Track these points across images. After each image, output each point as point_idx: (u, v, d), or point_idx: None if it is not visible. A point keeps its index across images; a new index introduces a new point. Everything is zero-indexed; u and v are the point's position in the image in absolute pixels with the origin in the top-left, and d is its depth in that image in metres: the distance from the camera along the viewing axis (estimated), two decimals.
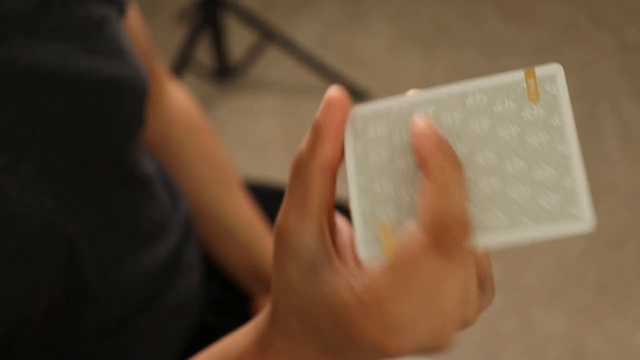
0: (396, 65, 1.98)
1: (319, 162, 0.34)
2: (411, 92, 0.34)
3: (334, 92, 0.34)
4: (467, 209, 0.31)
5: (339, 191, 1.68)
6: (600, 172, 1.69)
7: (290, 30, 2.08)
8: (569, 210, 0.31)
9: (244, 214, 0.77)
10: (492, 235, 0.32)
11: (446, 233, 0.30)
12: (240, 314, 0.81)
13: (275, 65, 1.98)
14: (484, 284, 0.35)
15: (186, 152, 0.75)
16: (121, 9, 0.57)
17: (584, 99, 1.87)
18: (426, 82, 1.92)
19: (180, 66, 1.79)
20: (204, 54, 2.00)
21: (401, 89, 1.91)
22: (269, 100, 1.89)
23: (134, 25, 0.65)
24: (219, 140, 0.78)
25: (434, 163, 0.31)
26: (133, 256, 0.59)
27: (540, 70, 0.32)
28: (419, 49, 2.02)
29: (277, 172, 1.72)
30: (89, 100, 0.51)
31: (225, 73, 1.90)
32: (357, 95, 1.87)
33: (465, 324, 0.34)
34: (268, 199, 0.86)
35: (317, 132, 0.34)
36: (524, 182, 0.32)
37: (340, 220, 0.37)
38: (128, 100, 0.54)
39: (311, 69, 1.93)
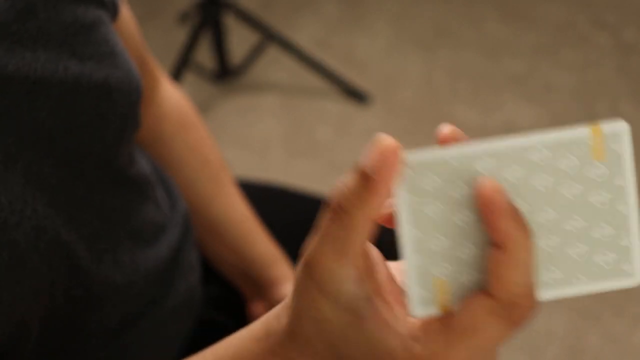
0: (396, 66, 1.98)
1: (367, 213, 0.32)
2: (467, 142, 0.33)
3: (388, 140, 0.32)
4: (534, 284, 0.31)
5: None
6: None
7: (290, 31, 2.08)
8: (622, 267, 0.32)
9: (236, 212, 0.76)
10: (546, 290, 0.33)
11: (517, 305, 0.31)
12: (240, 311, 0.81)
13: (275, 65, 1.98)
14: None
15: (177, 149, 0.74)
16: (113, 11, 0.56)
17: (583, 99, 1.87)
18: (426, 83, 1.93)
19: (181, 67, 1.79)
20: (204, 55, 2.00)
21: (401, 90, 1.91)
22: (269, 101, 1.90)
23: (127, 24, 0.64)
24: (211, 138, 0.78)
25: (507, 234, 0.31)
26: (132, 259, 0.58)
27: (607, 128, 0.32)
28: (419, 50, 2.03)
29: (277, 172, 1.73)
30: (78, 106, 0.50)
31: (225, 74, 1.90)
32: (357, 95, 1.87)
33: None
34: (267, 199, 0.86)
35: (367, 181, 0.32)
36: (583, 240, 0.32)
37: (375, 257, 0.36)
38: (119, 103, 0.53)
39: (311, 69, 1.93)
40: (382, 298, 0.34)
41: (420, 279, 0.33)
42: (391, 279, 0.35)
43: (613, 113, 1.83)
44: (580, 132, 0.32)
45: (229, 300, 0.81)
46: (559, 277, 0.32)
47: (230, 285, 0.81)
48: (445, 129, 0.34)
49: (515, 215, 0.31)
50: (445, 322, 0.32)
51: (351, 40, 2.06)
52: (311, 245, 0.34)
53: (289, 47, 1.84)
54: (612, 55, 2.00)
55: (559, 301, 1.47)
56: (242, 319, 0.80)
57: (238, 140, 1.80)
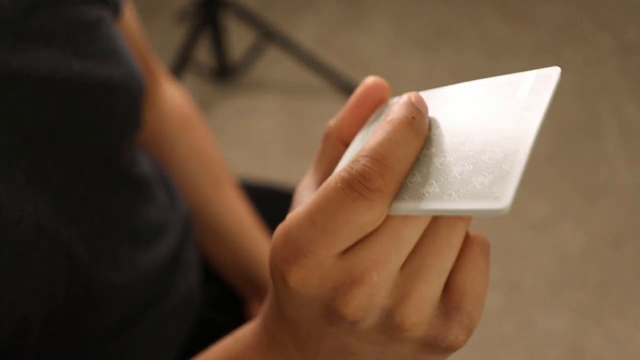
0: (396, 66, 1.98)
1: (338, 132, 0.37)
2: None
3: (373, 78, 0.37)
4: (397, 164, 0.31)
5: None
6: (600, 172, 1.69)
7: (291, 30, 2.08)
8: (493, 189, 0.30)
9: (236, 213, 0.76)
10: (417, 203, 0.32)
11: (359, 170, 0.31)
12: (239, 312, 0.80)
13: (275, 65, 1.98)
14: (450, 312, 0.33)
15: (178, 149, 0.74)
16: (116, 10, 0.56)
17: (584, 99, 1.87)
18: (426, 83, 1.92)
19: (180, 66, 1.79)
20: (203, 54, 1.99)
21: (401, 90, 1.90)
22: (269, 100, 1.89)
23: (130, 23, 0.64)
24: (212, 138, 0.78)
25: (393, 115, 0.32)
26: (131, 258, 0.58)
27: (540, 70, 0.33)
28: (419, 50, 2.02)
29: (277, 172, 1.72)
30: (80, 104, 0.50)
31: (225, 73, 1.90)
32: None
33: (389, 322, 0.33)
34: (267, 199, 0.86)
35: (345, 106, 0.38)
36: (472, 162, 0.32)
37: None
38: (122, 102, 0.54)
39: (311, 69, 1.93)
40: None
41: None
42: None
43: (615, 112, 1.82)
44: (515, 76, 0.33)
45: (228, 300, 0.81)
46: (435, 192, 0.32)
47: (229, 285, 0.81)
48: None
49: (415, 106, 0.33)
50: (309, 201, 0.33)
51: (351, 40, 2.05)
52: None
53: (289, 46, 1.83)
54: (613, 55, 1.99)
55: (560, 302, 1.47)
56: (241, 319, 0.80)
57: (238, 140, 1.79)
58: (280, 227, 0.33)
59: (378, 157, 0.31)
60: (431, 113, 0.35)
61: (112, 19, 0.55)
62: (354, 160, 0.31)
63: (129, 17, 0.64)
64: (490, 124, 0.32)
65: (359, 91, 0.37)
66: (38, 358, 0.53)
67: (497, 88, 0.34)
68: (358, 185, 0.30)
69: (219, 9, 1.74)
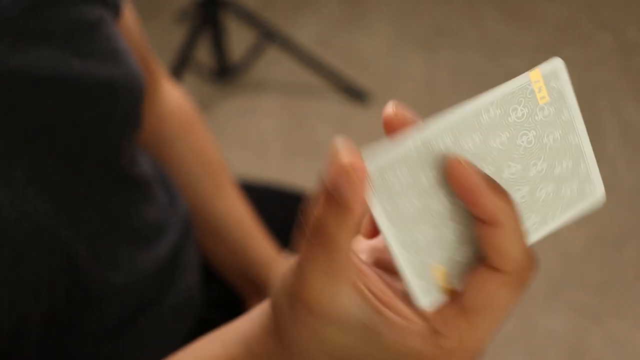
0: (396, 66, 1.98)
1: (347, 230, 0.31)
2: (418, 125, 0.32)
3: (347, 154, 0.30)
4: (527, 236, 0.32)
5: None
6: (601, 172, 1.69)
7: (291, 30, 2.08)
8: (585, 189, 0.34)
9: (235, 212, 0.76)
10: (530, 237, 0.34)
11: (523, 270, 0.32)
12: (239, 312, 0.80)
13: (275, 65, 1.98)
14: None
15: (178, 149, 0.74)
16: (116, 10, 0.56)
17: (584, 99, 1.87)
18: (426, 83, 1.92)
19: (180, 66, 1.79)
20: (203, 54, 1.99)
21: (401, 90, 1.90)
22: (269, 100, 1.89)
23: (130, 24, 0.64)
24: (212, 138, 0.78)
25: (495, 210, 0.31)
26: (131, 258, 0.58)
27: (544, 69, 0.32)
28: (419, 50, 2.02)
29: (277, 172, 1.72)
30: (81, 104, 0.50)
31: (225, 73, 1.90)
32: (357, 95, 1.87)
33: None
34: (267, 199, 0.86)
35: (339, 203, 0.30)
36: (548, 180, 0.33)
37: (363, 266, 0.35)
38: (122, 101, 0.54)
39: (311, 69, 1.93)
40: (384, 302, 0.33)
41: (417, 273, 0.32)
42: (380, 277, 0.35)
43: (615, 112, 1.82)
44: (521, 81, 0.32)
45: (228, 300, 0.80)
46: (537, 221, 0.33)
47: (229, 285, 0.81)
48: (389, 109, 0.33)
49: (495, 187, 0.31)
50: (460, 306, 0.32)
51: (351, 40, 2.05)
52: (292, 277, 0.33)
53: (289, 46, 1.83)
54: (613, 55, 1.99)
55: (560, 302, 1.47)
56: None
57: (238, 140, 1.79)
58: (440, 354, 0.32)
59: (532, 257, 0.32)
60: (465, 150, 0.32)
61: (112, 19, 0.55)
62: (518, 271, 0.32)
63: (129, 17, 0.64)
64: (534, 140, 0.33)
65: (351, 188, 0.30)
66: (38, 357, 0.53)
67: (508, 101, 0.32)
68: (527, 285, 0.32)
69: (219, 9, 1.74)
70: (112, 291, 0.57)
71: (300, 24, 2.10)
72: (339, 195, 0.30)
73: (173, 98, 0.75)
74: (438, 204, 0.32)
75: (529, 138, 0.32)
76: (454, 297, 0.33)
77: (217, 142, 0.81)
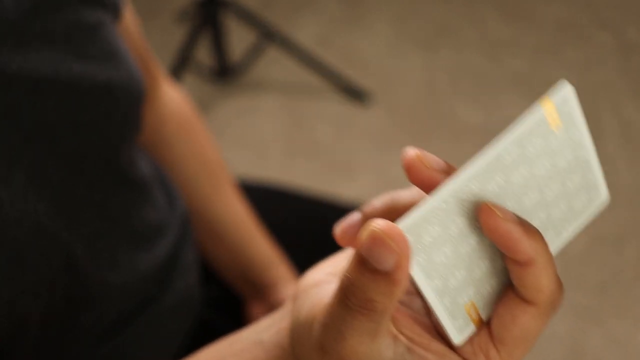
0: (396, 66, 1.98)
1: (394, 300, 0.31)
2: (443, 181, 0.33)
3: (393, 230, 0.30)
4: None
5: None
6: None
7: (291, 30, 2.08)
8: (592, 196, 0.35)
9: (235, 213, 0.76)
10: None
11: (556, 299, 0.33)
12: (239, 312, 0.80)
13: (275, 65, 1.98)
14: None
15: (177, 150, 0.74)
16: (116, 12, 0.57)
17: (584, 99, 1.87)
18: (427, 83, 1.92)
19: (180, 66, 1.79)
20: (204, 54, 1.99)
21: (402, 89, 1.90)
22: (269, 100, 1.89)
23: (130, 25, 0.64)
24: (211, 139, 0.78)
25: (531, 252, 0.31)
26: (130, 259, 0.59)
27: (555, 98, 0.33)
28: (420, 50, 2.02)
29: (277, 172, 1.72)
30: (81, 106, 0.50)
31: (225, 73, 1.90)
32: (357, 95, 1.87)
33: None
34: (267, 199, 0.86)
35: (387, 279, 0.30)
36: (562, 199, 0.35)
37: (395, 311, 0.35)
38: (122, 104, 0.54)
39: (311, 69, 1.93)
40: (418, 343, 0.33)
41: (452, 314, 0.33)
42: (408, 315, 0.35)
43: (615, 112, 1.82)
44: (536, 115, 0.33)
45: (227, 300, 0.80)
46: (553, 236, 0.35)
47: (229, 285, 0.81)
48: (410, 152, 0.33)
49: (528, 230, 0.31)
50: (490, 336, 0.33)
51: (352, 40, 2.05)
52: (325, 332, 0.33)
53: (289, 46, 1.83)
54: (614, 54, 1.99)
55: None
56: (240, 320, 0.80)
57: (238, 140, 1.79)
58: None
59: (559, 283, 0.33)
60: (489, 191, 0.33)
61: (112, 22, 0.55)
62: (555, 302, 0.33)
63: (129, 19, 0.64)
64: (550, 167, 0.34)
65: (398, 260, 0.30)
66: (37, 357, 0.53)
67: (526, 137, 0.33)
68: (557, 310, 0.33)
69: (219, 9, 1.74)
70: (112, 291, 0.57)
71: (300, 24, 2.10)
72: (384, 269, 0.30)
73: (172, 99, 0.75)
74: (468, 246, 0.33)
75: (545, 166, 0.33)
76: (483, 326, 0.34)
77: (217, 142, 0.81)
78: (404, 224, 0.31)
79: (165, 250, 0.64)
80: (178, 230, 0.67)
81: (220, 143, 1.78)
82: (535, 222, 0.34)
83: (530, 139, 0.33)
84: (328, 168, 1.73)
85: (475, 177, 0.32)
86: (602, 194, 0.36)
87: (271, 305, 0.77)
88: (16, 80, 0.46)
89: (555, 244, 0.35)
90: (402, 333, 0.33)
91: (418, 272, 0.32)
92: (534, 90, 1.88)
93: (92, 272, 0.54)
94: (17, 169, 0.47)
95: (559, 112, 0.33)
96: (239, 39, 2.05)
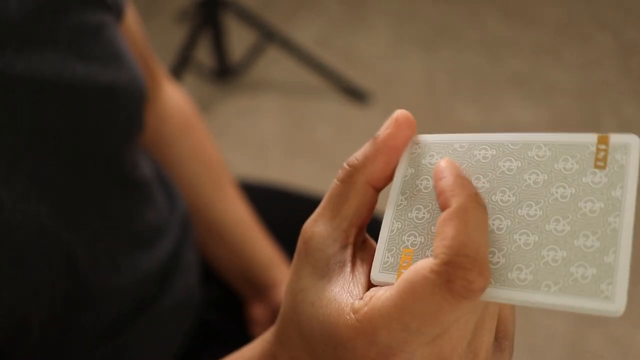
0: (396, 66, 1.98)
1: (367, 175, 0.34)
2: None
3: (404, 113, 0.34)
4: (485, 253, 0.29)
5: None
6: None
7: (290, 30, 2.08)
8: (601, 286, 0.28)
9: (236, 214, 0.76)
10: (512, 292, 0.30)
11: (458, 272, 0.29)
12: (239, 313, 0.80)
13: (275, 65, 1.98)
14: (502, 343, 0.34)
15: (178, 150, 0.74)
16: (118, 13, 0.57)
17: (584, 99, 1.87)
18: (427, 83, 1.92)
19: (181, 66, 1.79)
20: (204, 54, 1.99)
21: (402, 89, 1.90)
22: (269, 100, 1.89)
23: (132, 26, 0.65)
24: (212, 140, 0.78)
25: (449, 194, 0.30)
26: (131, 259, 0.59)
27: (615, 138, 0.30)
28: (420, 50, 2.02)
29: (277, 172, 1.72)
30: (84, 108, 0.51)
31: (225, 73, 1.90)
32: (357, 95, 1.87)
33: None
34: (267, 199, 0.86)
35: (375, 146, 0.34)
36: (562, 245, 0.29)
37: (370, 243, 0.36)
38: (125, 105, 0.54)
39: (311, 69, 1.93)
40: (354, 275, 0.33)
41: (391, 245, 0.33)
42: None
43: (615, 112, 1.82)
44: (587, 138, 0.31)
45: (228, 301, 0.80)
46: (528, 279, 0.29)
47: (229, 285, 0.81)
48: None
49: (463, 181, 0.31)
50: (392, 295, 0.31)
51: (352, 40, 2.05)
52: (313, 213, 0.35)
53: (289, 46, 1.83)
54: (613, 54, 1.99)
55: None
56: (241, 321, 0.80)
57: (238, 140, 1.79)
58: (359, 327, 0.31)
59: (472, 253, 0.29)
60: (498, 167, 0.32)
61: (114, 23, 0.55)
62: (448, 262, 0.29)
63: (131, 19, 0.64)
64: (569, 197, 0.30)
65: (390, 129, 0.34)
66: (37, 357, 0.53)
67: (563, 149, 0.31)
68: (462, 289, 0.28)
69: (219, 9, 1.74)
70: (112, 292, 0.57)
71: (300, 24, 2.10)
72: (377, 136, 0.33)
73: (173, 99, 0.75)
74: None
75: (564, 192, 0.30)
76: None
77: (217, 142, 0.81)
78: (422, 135, 0.35)
79: (165, 251, 0.64)
80: (178, 231, 0.67)
81: (220, 143, 1.78)
82: (518, 238, 0.31)
83: (566, 155, 0.31)
84: (328, 168, 1.73)
85: (497, 145, 0.32)
86: (616, 301, 0.28)
87: (271, 306, 0.77)
88: (19, 82, 0.46)
89: (525, 289, 0.30)
90: (354, 261, 0.34)
91: (400, 178, 0.34)
92: (533, 90, 1.88)
93: (92, 273, 0.54)
94: (19, 171, 0.47)
95: (611, 155, 0.30)
96: (239, 39, 2.05)
